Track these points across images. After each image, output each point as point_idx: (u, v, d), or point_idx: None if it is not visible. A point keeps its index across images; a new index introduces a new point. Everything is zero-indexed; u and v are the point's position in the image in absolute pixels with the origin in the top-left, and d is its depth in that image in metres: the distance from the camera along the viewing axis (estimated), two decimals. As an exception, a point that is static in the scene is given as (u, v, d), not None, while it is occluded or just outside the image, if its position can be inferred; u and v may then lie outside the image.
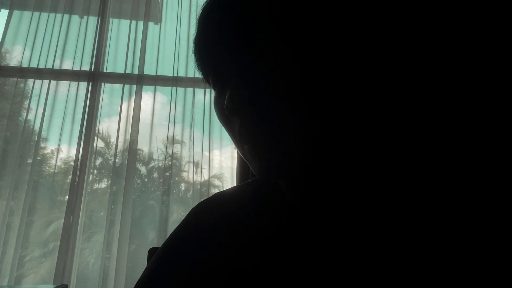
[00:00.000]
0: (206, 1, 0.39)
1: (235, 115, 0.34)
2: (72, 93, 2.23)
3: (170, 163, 2.17)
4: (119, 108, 2.22)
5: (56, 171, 2.18)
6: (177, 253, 0.45)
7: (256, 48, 0.34)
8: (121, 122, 2.19)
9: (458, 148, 0.41)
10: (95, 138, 2.21)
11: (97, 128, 2.23)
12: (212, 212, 0.48)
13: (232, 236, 0.43)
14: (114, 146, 2.17)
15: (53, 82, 2.23)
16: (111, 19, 2.43)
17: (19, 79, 2.24)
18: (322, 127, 0.33)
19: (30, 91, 2.23)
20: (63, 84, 2.25)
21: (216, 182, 2.25)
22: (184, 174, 2.22)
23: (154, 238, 2.04)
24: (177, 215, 2.12)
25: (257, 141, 0.34)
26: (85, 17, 2.37)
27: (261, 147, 0.34)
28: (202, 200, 0.52)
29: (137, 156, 2.21)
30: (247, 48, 0.34)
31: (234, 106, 0.33)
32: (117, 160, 2.14)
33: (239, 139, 0.36)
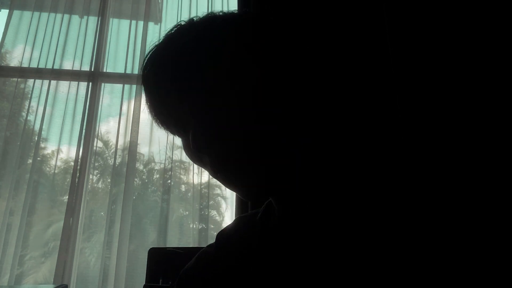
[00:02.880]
0: (144, 63, 0.43)
1: (203, 153, 0.37)
2: (72, 93, 2.23)
3: (170, 163, 2.17)
4: (119, 108, 2.22)
5: (56, 171, 2.18)
6: (201, 264, 0.53)
7: (203, 91, 0.36)
8: (121, 122, 2.19)
9: (458, 149, 0.41)
10: (95, 138, 2.21)
11: (97, 128, 2.22)
12: (227, 233, 0.54)
13: (238, 251, 0.48)
14: (114, 146, 2.17)
15: (53, 82, 2.22)
16: (111, 19, 2.43)
17: (19, 79, 2.24)
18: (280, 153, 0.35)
19: (30, 91, 2.23)
20: (63, 84, 2.25)
21: (217, 184, 2.25)
22: (184, 175, 2.22)
23: (154, 238, 2.04)
24: (178, 215, 2.12)
25: (228, 172, 0.37)
26: (85, 17, 2.37)
27: (232, 178, 0.38)
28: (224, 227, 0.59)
29: (137, 156, 2.21)
30: (196, 93, 0.37)
31: (199, 146, 0.36)
32: (117, 160, 2.14)
33: (213, 173, 0.39)
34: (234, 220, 0.55)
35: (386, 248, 0.34)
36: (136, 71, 2.27)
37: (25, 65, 2.25)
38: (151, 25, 2.42)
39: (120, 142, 2.16)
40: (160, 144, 2.21)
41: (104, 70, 2.31)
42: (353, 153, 0.37)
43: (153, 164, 2.29)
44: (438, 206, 0.34)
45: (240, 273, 0.44)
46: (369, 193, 0.38)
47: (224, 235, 0.54)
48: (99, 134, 2.25)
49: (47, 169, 2.23)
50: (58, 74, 2.25)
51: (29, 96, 2.22)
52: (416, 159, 0.39)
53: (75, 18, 2.37)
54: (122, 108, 2.21)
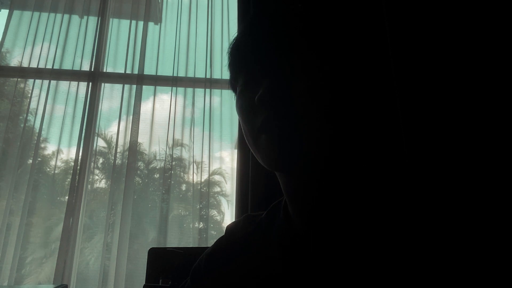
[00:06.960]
0: (252, 13, 0.45)
1: (265, 106, 0.39)
2: (72, 93, 2.23)
3: (170, 163, 2.17)
4: (119, 108, 2.22)
5: (56, 171, 2.18)
6: (213, 259, 0.56)
7: (292, 57, 0.41)
8: (121, 122, 2.19)
9: (458, 149, 0.41)
10: (95, 138, 2.21)
11: (97, 128, 2.23)
12: (238, 229, 0.57)
13: (249, 247, 0.51)
14: (114, 146, 2.17)
15: (53, 82, 2.23)
16: (111, 19, 2.43)
17: (19, 79, 2.24)
18: (338, 132, 0.38)
19: (30, 91, 2.23)
20: (63, 84, 2.25)
21: (216, 182, 2.25)
22: (184, 174, 2.22)
23: (154, 238, 2.04)
24: (178, 215, 2.12)
25: (279, 131, 0.39)
26: (85, 17, 2.37)
27: (281, 136, 0.39)
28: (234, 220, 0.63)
29: (137, 156, 2.21)
30: (285, 55, 0.41)
31: (268, 99, 0.39)
32: (117, 160, 2.14)
33: (258, 129, 0.41)
34: (242, 217, 0.58)
35: (394, 249, 0.34)
36: (136, 71, 2.27)
37: (25, 65, 2.25)
38: (151, 25, 2.42)
39: (120, 142, 2.16)
40: (160, 143, 2.21)
41: (104, 70, 2.31)
42: (365, 157, 0.38)
43: (153, 163, 2.29)
44: (438, 207, 0.34)
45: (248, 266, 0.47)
46: (377, 194, 0.38)
47: (231, 229, 0.57)
48: (99, 134, 2.25)
49: (47, 169, 2.23)
50: (58, 74, 2.25)
51: (29, 96, 2.22)
52: (417, 159, 0.39)
53: (75, 18, 2.37)
54: (122, 108, 2.21)
